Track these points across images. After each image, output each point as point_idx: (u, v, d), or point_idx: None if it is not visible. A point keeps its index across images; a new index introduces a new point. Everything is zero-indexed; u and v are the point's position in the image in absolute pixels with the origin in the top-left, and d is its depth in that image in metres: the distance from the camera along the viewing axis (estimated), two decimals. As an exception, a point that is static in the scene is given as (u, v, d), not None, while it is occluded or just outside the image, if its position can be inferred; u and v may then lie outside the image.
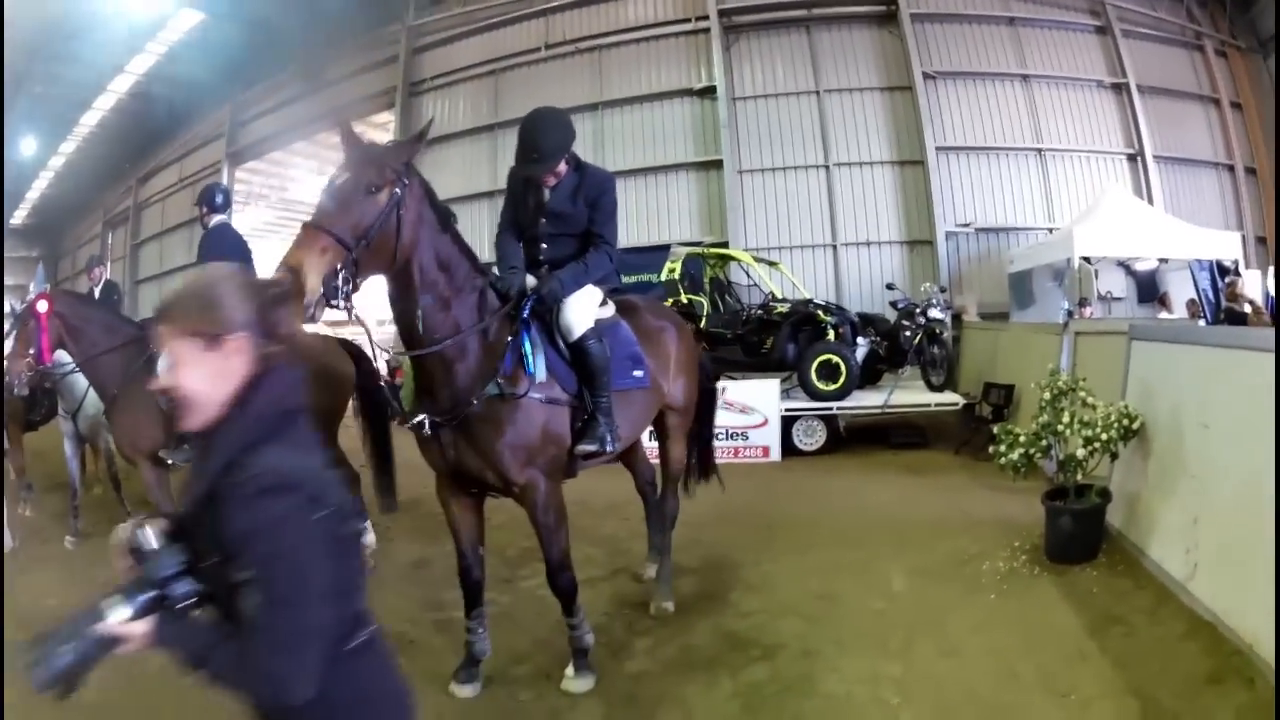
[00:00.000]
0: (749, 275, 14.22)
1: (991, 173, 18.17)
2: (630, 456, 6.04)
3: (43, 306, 6.81)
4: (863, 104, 18.54)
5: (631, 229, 19.09)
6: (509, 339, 4.26)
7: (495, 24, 21.66)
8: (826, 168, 18.35)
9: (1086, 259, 14.68)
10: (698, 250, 14.68)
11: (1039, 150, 18.19)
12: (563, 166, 4.62)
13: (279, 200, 34.34)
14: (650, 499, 6.22)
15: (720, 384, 10.86)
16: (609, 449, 4.50)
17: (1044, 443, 6.00)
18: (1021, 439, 6.03)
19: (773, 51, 18.96)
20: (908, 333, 11.84)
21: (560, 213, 4.71)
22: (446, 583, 5.52)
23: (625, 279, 15.97)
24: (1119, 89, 18.64)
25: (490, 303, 4.30)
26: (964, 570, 5.98)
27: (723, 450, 10.34)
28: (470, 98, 21.84)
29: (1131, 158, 18.43)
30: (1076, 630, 4.86)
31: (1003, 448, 6.09)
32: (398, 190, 3.64)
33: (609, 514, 7.68)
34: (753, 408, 11.05)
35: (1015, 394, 10.12)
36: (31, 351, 6.83)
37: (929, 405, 11.52)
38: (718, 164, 18.74)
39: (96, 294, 9.68)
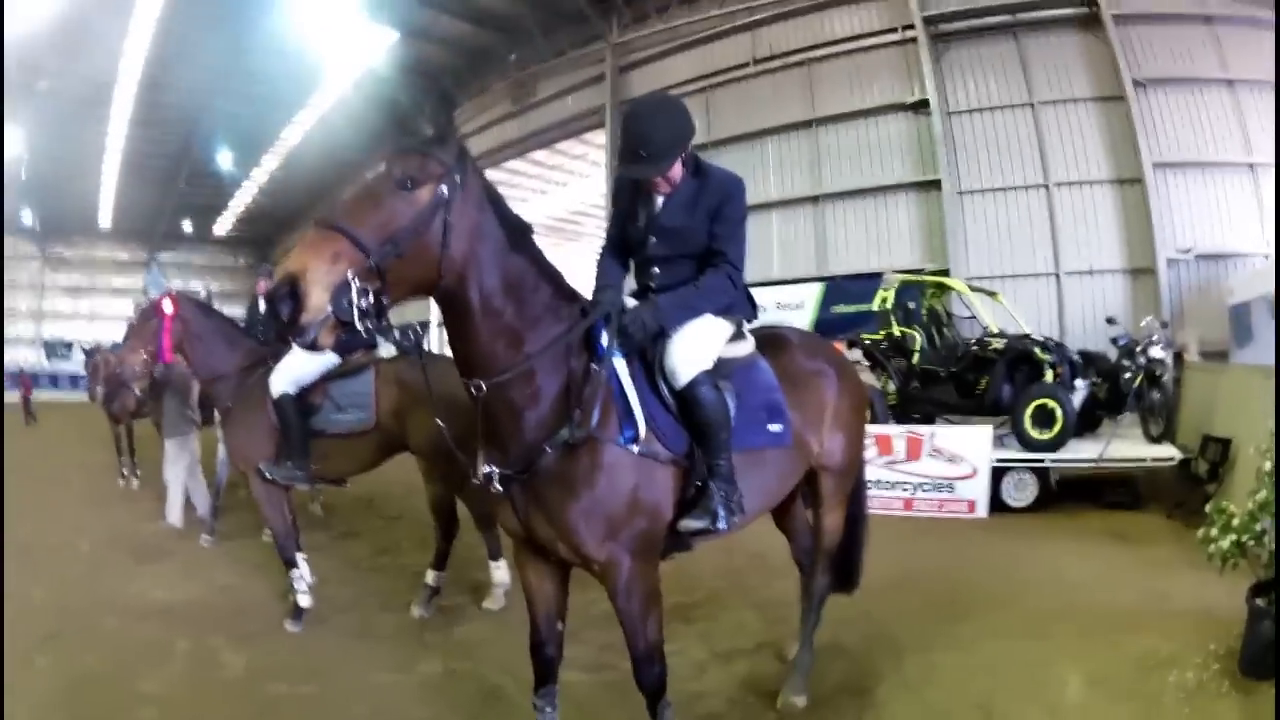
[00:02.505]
0: (968, 307, 13.72)
1: (1206, 191, 17.06)
2: (786, 518, 5.45)
3: (168, 307, 7.12)
4: (1078, 116, 17.90)
5: (849, 255, 19.61)
6: (589, 373, 3.61)
7: (701, 39, 22.41)
8: (1046, 187, 17.86)
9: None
10: (911, 278, 14.32)
11: (1250, 165, 16.91)
12: (678, 169, 3.90)
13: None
14: (805, 571, 5.41)
15: (930, 429, 11.02)
16: (722, 527, 3.73)
17: (1259, 527, 5.15)
18: (1235, 521, 5.21)
19: (983, 61, 18.64)
20: (1127, 374, 11.40)
21: (674, 228, 3.99)
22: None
23: (841, 308, 16.74)
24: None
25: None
26: (1148, 682, 5.25)
27: (926, 503, 10.52)
28: (682, 115, 22.36)
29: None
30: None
31: (1213, 531, 5.31)
32: (444, 189, 3.11)
33: (784, 572, 6.35)
34: (961, 457, 10.51)
35: (1232, 450, 9.26)
36: (149, 348, 7.22)
37: (1144, 460, 10.66)
38: (936, 184, 18.52)
39: (261, 305, 9.99)
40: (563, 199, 35.90)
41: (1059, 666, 5.44)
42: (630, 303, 3.93)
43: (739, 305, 4.16)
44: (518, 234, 3.50)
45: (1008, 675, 5.36)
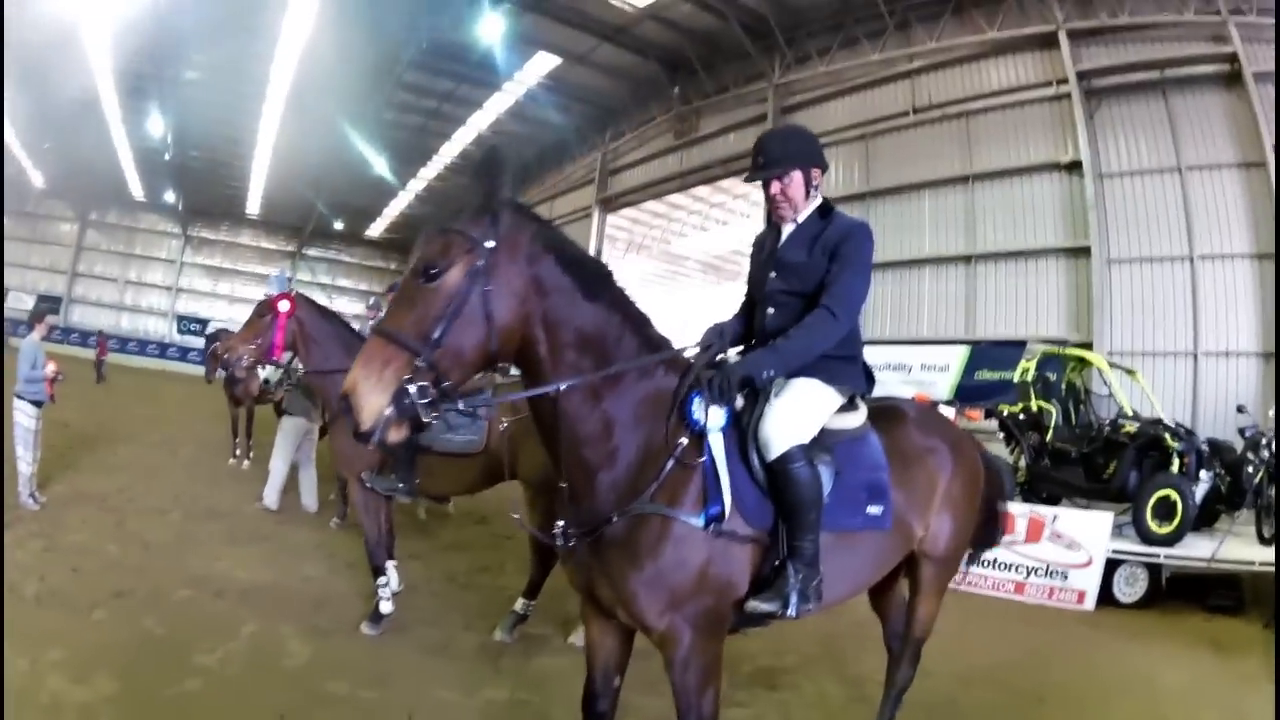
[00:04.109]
0: (1106, 385, 13.63)
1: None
2: (882, 599, 5.28)
3: (284, 306, 7.39)
4: (1222, 182, 17.21)
5: (996, 319, 19.66)
6: (677, 438, 3.55)
7: (861, 85, 22.96)
8: (1190, 260, 17.31)
9: None
10: (1054, 349, 14.19)
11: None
12: (799, 191, 4.04)
13: (661, 253, 37.65)
14: (893, 657, 5.21)
15: (1053, 510, 11.22)
16: (792, 614, 3.61)
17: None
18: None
19: (1133, 121, 18.27)
20: (1250, 468, 11.10)
21: (793, 264, 4.06)
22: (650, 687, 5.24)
23: (984, 374, 16.35)
24: None
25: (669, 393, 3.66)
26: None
27: (1037, 590, 10.58)
28: (842, 161, 22.78)
29: None
30: None
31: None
32: (479, 262, 3.16)
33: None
34: (1080, 544, 10.41)
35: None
36: (259, 341, 7.48)
37: (1253, 563, 10.21)
38: (1085, 251, 18.32)
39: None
40: (723, 237, 36.30)
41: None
42: (732, 357, 3.97)
43: (851, 376, 4.09)
44: (592, 281, 3.49)
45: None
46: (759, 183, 4.12)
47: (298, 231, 51.14)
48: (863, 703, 6.09)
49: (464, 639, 6.98)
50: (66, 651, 5.54)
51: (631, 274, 36.30)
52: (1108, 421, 12.58)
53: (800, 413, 3.81)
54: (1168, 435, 11.39)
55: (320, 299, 8.43)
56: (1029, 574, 10.75)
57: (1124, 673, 7.79)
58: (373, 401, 3.00)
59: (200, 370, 22.32)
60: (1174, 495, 10.58)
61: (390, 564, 7.13)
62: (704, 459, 3.57)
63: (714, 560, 3.55)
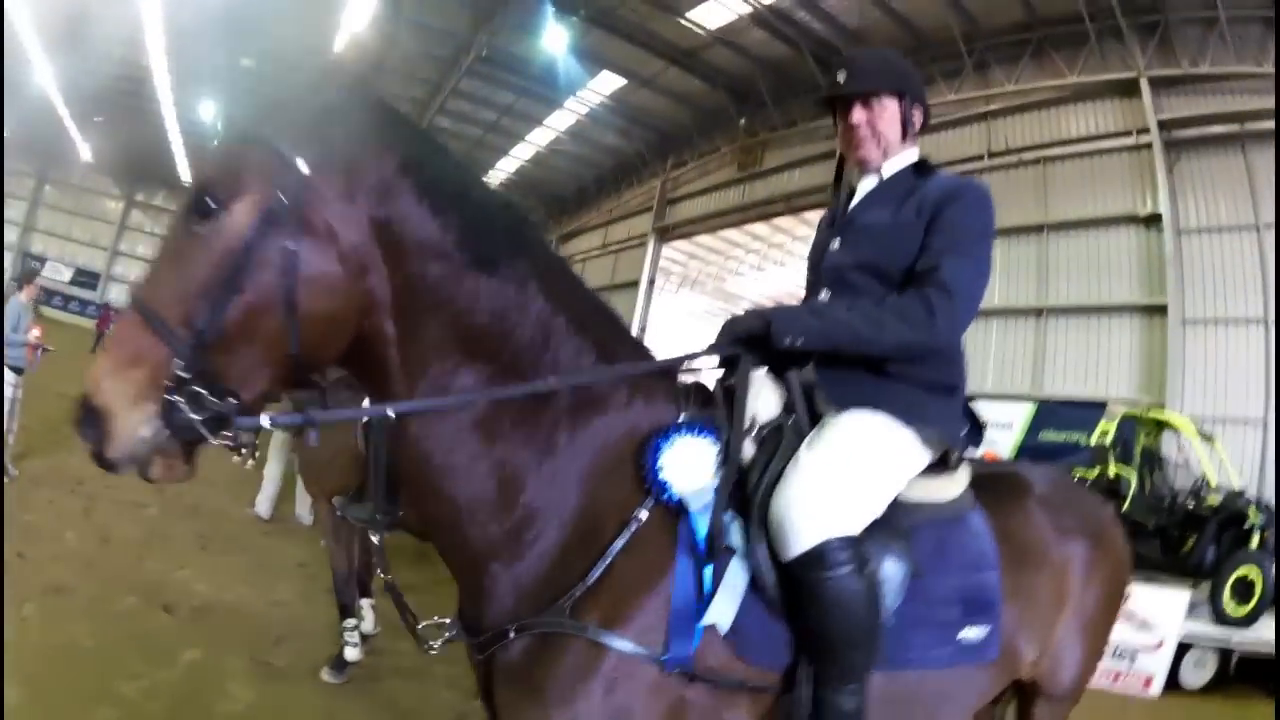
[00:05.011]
0: (1181, 450, 12.99)
1: None
2: None
3: None
4: None
5: (1066, 377, 18.86)
6: (631, 510, 2.24)
7: (936, 126, 21.74)
8: (1266, 323, 16.40)
9: None
10: (1137, 411, 13.46)
11: None
12: (895, 138, 2.73)
13: (716, 289, 37.33)
14: None
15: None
16: None
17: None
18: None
19: (1212, 175, 17.64)
20: None
21: (867, 226, 2.69)
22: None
23: (1049, 435, 15.99)
24: None
25: (642, 423, 2.35)
26: None
27: (1100, 673, 8.68)
28: (918, 203, 22.24)
29: None
30: None
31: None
32: (281, 196, 1.92)
33: None
34: (1152, 624, 9.26)
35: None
36: None
37: None
38: (1160, 309, 17.59)
39: None
40: (780, 279, 35.71)
41: None
42: (756, 382, 2.50)
43: (948, 418, 2.65)
44: (495, 236, 2.18)
45: None
46: (833, 123, 2.84)
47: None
48: None
49: (442, 699, 5.85)
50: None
51: (683, 308, 36.01)
52: (1187, 492, 12.09)
53: (852, 476, 2.33)
54: (1251, 509, 10.97)
55: None
56: (1095, 655, 9.92)
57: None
58: (123, 417, 1.87)
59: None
60: (1253, 574, 10.14)
61: (365, 602, 6.54)
62: (674, 550, 2.21)
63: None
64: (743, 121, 27.50)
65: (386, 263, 2.03)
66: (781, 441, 2.40)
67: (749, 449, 2.39)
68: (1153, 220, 18.13)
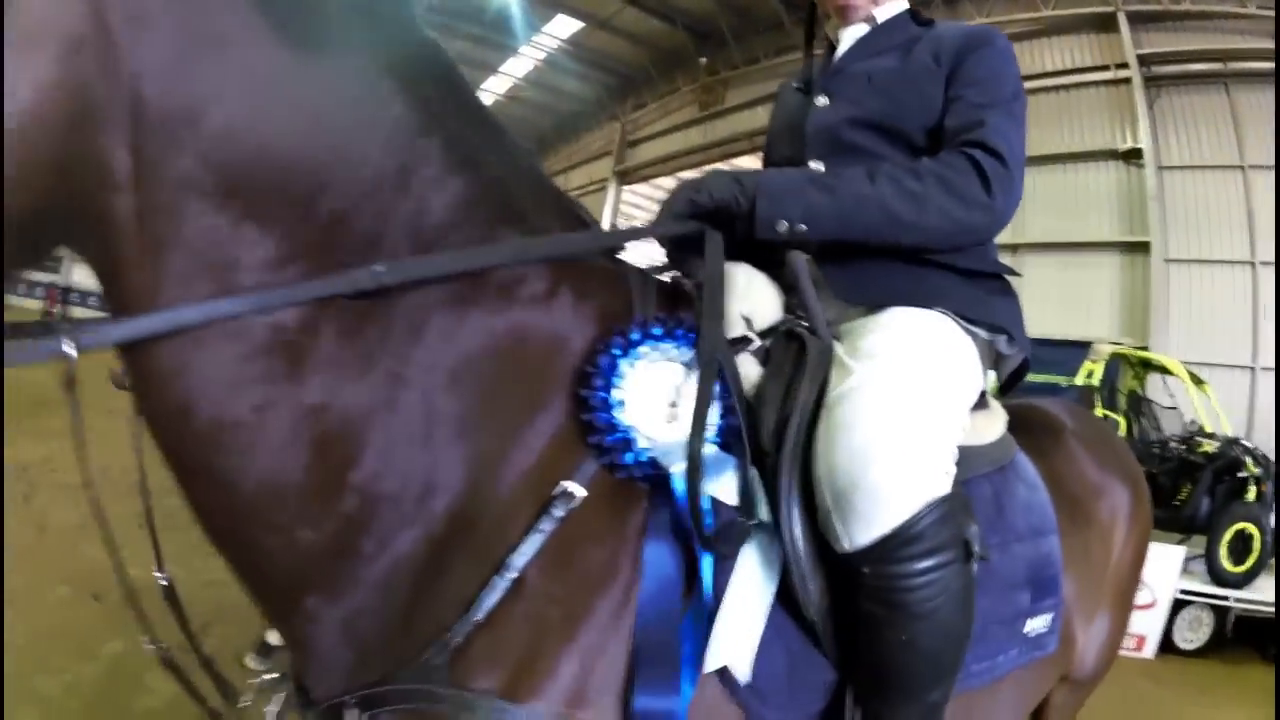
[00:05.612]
0: (1172, 395, 12.19)
1: None
2: None
3: None
4: None
5: (1043, 316, 17.26)
6: (559, 473, 1.34)
7: None
8: (1252, 265, 16.18)
9: None
10: (1126, 352, 12.63)
11: None
12: None
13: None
14: None
15: None
16: None
17: None
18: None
19: (1195, 113, 17.37)
20: None
21: (865, 74, 1.91)
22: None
23: (1028, 376, 15.50)
24: None
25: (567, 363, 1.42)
26: None
27: None
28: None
29: None
30: None
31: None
32: None
33: None
34: (1145, 582, 8.48)
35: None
36: None
37: None
38: (1143, 247, 17.32)
39: None
40: None
41: None
42: (741, 274, 1.67)
43: (1009, 314, 1.91)
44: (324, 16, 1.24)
45: None
46: None
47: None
48: None
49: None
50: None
51: (645, 253, 35.60)
52: (1179, 438, 11.15)
53: (933, 406, 1.53)
54: (1248, 459, 10.11)
55: None
56: (1086, 616, 9.36)
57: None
58: None
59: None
60: (1252, 529, 9.42)
61: None
62: (638, 544, 1.35)
63: None
64: (703, 60, 27.03)
65: (121, 42, 1.06)
66: (804, 359, 1.51)
67: (750, 368, 1.55)
68: (1133, 155, 17.83)
